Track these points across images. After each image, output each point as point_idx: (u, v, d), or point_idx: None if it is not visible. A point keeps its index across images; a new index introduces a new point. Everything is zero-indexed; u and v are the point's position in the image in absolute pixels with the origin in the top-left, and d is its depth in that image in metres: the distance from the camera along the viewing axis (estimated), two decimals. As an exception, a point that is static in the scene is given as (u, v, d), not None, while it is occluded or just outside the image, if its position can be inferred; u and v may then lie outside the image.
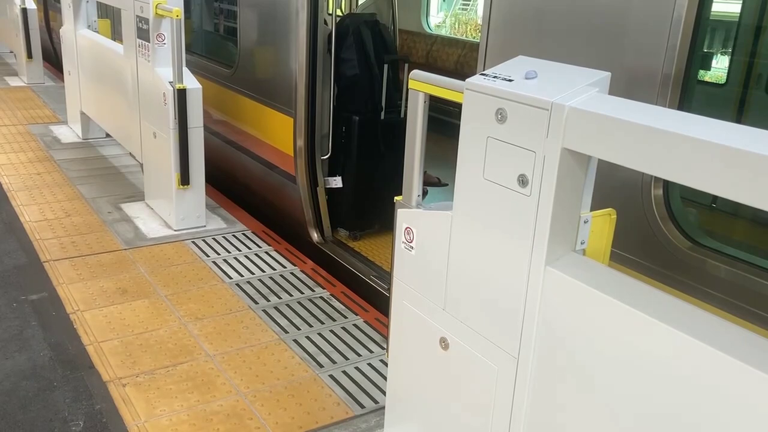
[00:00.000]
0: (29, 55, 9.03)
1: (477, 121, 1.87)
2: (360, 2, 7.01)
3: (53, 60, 10.80)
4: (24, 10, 8.75)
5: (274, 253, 4.52)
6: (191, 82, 4.48)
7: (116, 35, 7.24)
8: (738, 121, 3.58)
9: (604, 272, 1.74)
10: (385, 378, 3.19)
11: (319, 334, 3.58)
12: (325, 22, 4.57)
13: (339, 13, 5.98)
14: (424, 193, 2.38)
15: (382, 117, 4.85)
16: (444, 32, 15.25)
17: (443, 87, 2.07)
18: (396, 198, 2.34)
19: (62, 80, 8.43)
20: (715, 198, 3.07)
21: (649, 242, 2.46)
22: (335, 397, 3.08)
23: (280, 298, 3.95)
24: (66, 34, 6.61)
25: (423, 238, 2.19)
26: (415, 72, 2.18)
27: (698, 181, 1.39)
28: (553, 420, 1.82)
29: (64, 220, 4.84)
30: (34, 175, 5.72)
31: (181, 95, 4.40)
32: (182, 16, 4.33)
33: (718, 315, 1.57)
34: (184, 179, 4.60)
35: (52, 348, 3.33)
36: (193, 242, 4.61)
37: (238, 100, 5.39)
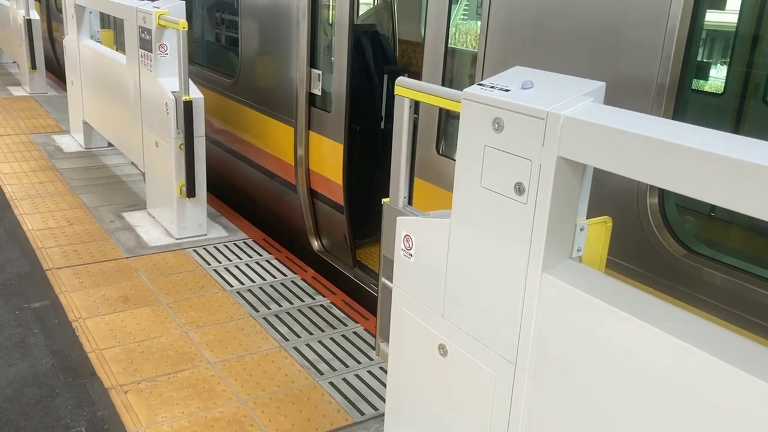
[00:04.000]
0: (33, 66, 9.06)
1: (474, 130, 1.90)
2: (360, 13, 7.06)
3: (56, 70, 10.86)
4: (28, 21, 8.80)
5: (274, 262, 4.54)
6: (193, 92, 4.52)
7: (119, 45, 7.29)
8: (734, 131, 3.60)
9: (600, 279, 1.76)
10: (384, 385, 3.21)
11: (320, 342, 3.60)
12: (325, 33, 4.61)
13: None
14: None
15: (382, 126, 4.89)
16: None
17: (428, 93, 2.11)
18: (384, 200, 2.38)
19: (65, 90, 8.48)
20: (711, 207, 3.09)
21: (644, 250, 2.49)
22: (335, 404, 3.10)
23: (280, 306, 3.97)
24: (69, 44, 6.66)
25: (422, 246, 2.21)
26: (401, 78, 2.22)
27: (693, 190, 1.41)
28: (550, 425, 1.84)
29: (66, 228, 4.87)
30: (36, 184, 5.75)
31: (188, 108, 4.41)
32: (187, 28, 4.37)
33: (713, 322, 1.59)
34: (191, 192, 4.59)
35: (55, 355, 3.35)
36: (195, 251, 4.64)
37: (240, 109, 5.43)
